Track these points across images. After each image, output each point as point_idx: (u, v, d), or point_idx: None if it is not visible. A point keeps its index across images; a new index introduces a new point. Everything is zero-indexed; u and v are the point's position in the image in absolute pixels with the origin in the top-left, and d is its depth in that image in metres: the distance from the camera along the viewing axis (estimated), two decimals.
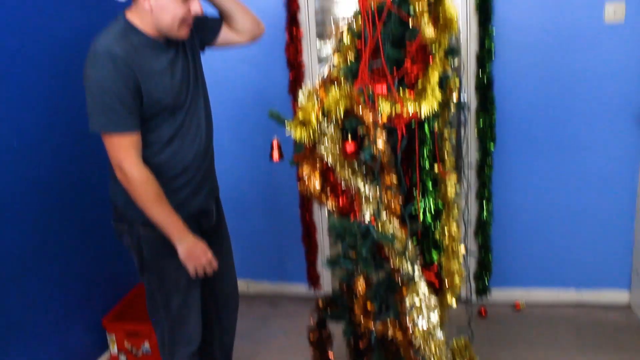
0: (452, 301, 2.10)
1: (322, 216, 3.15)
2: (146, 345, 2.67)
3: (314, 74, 2.97)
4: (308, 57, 2.95)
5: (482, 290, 3.10)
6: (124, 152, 1.80)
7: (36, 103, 2.34)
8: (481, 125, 2.83)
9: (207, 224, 2.13)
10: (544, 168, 2.94)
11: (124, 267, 2.88)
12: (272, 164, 2.06)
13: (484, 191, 2.93)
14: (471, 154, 2.91)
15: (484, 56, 2.78)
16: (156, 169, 1.89)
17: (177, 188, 1.97)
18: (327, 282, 3.24)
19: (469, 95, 2.84)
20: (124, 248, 2.79)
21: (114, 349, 2.72)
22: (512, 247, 3.08)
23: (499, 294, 3.14)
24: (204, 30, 2.08)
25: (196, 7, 1.83)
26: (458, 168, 2.90)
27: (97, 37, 1.79)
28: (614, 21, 2.73)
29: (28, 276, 2.31)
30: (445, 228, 1.97)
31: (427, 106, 1.72)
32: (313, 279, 3.24)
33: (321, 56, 2.99)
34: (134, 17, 1.84)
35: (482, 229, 2.99)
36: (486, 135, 2.84)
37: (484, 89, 2.80)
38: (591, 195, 2.95)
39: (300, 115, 1.79)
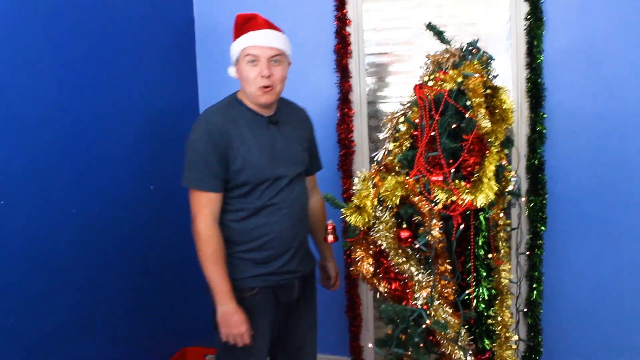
0: None
1: (367, 290, 3.16)
2: None
3: (364, 152, 3.05)
4: (359, 136, 3.05)
5: None
6: (200, 207, 2.00)
7: (107, 171, 2.47)
8: (532, 207, 2.84)
9: (286, 299, 2.18)
10: (595, 252, 2.90)
11: (164, 333, 2.93)
12: None
13: (534, 272, 2.91)
14: (522, 235, 2.91)
15: (535, 139, 2.82)
16: (237, 235, 2.07)
17: (256, 260, 2.09)
18: (370, 356, 3.22)
19: (520, 177, 2.86)
20: (165, 313, 2.89)
21: None
22: (563, 329, 3.01)
23: None
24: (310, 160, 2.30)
25: (263, 70, 2.00)
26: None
27: (207, 108, 2.12)
28: None
29: (74, 338, 2.35)
30: (498, 316, 1.98)
31: (483, 197, 1.77)
32: (356, 353, 3.23)
33: (372, 135, 3.07)
34: (240, 93, 2.12)
35: (532, 310, 2.95)
36: (537, 217, 2.84)
37: (535, 171, 2.83)
38: None
39: (355, 200, 1.85)
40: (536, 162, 2.83)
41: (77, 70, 2.34)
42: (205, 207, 2.00)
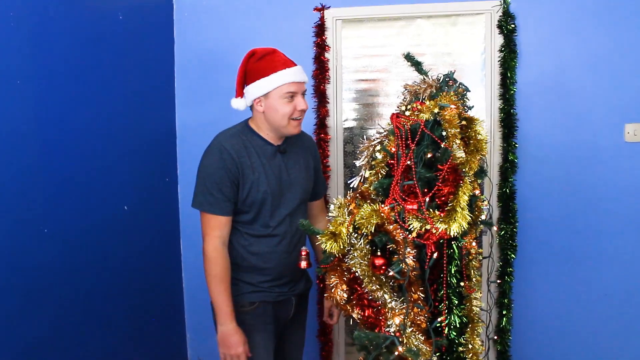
0: None
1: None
2: None
3: (339, 177, 3.08)
4: (334, 161, 3.07)
5: None
6: (209, 229, 2.11)
7: (80, 190, 2.44)
8: (502, 234, 2.89)
9: (284, 314, 2.28)
10: (564, 279, 2.98)
11: (137, 355, 2.89)
12: None
13: (503, 300, 2.95)
14: (493, 263, 2.96)
15: (507, 168, 2.89)
16: (245, 255, 2.18)
17: (261, 278, 2.19)
18: None
19: (492, 206, 2.92)
20: (138, 334, 2.86)
21: None
22: (531, 356, 3.07)
23: None
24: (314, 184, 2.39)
25: (301, 104, 2.13)
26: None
27: (220, 133, 2.19)
28: (633, 140, 2.85)
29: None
30: (469, 343, 2.00)
31: (457, 226, 1.80)
32: None
33: (347, 160, 3.10)
34: (253, 122, 2.21)
35: (501, 337, 2.99)
36: (507, 244, 2.90)
37: (507, 200, 2.90)
38: (612, 310, 2.97)
39: (331, 227, 1.87)
40: (507, 190, 2.90)
41: (55, 88, 2.32)
42: (214, 229, 2.10)
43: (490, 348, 3.03)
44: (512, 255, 2.91)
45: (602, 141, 2.88)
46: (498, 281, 2.92)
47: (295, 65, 2.15)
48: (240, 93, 2.18)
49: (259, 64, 2.12)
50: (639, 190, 2.88)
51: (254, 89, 2.12)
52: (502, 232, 2.90)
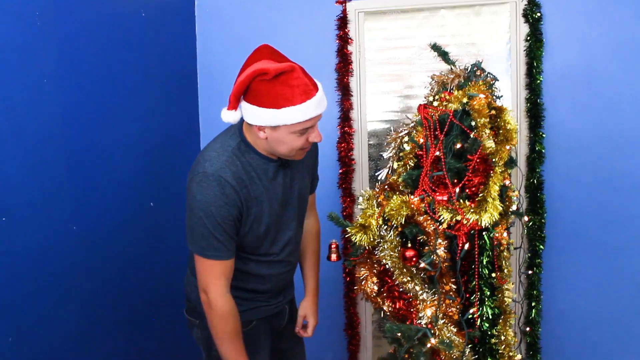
0: None
1: (365, 308, 3.16)
2: None
3: (364, 170, 3.07)
4: (359, 154, 3.06)
5: None
6: (213, 279, 1.77)
7: (108, 188, 2.46)
8: (531, 225, 2.86)
9: (278, 324, 2.12)
10: (593, 270, 2.93)
11: (164, 354, 2.92)
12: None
13: (533, 291, 2.92)
14: (521, 254, 2.93)
15: (535, 158, 2.85)
16: (241, 277, 1.89)
17: (256, 296, 1.98)
18: None
19: (522, 196, 2.89)
20: (162, 334, 2.88)
21: None
22: (560, 347, 3.03)
23: None
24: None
25: (315, 137, 1.77)
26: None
27: (208, 151, 1.80)
28: None
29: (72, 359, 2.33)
30: (502, 335, 1.98)
31: (488, 216, 1.78)
32: None
33: (372, 153, 3.09)
34: (248, 134, 1.81)
35: (531, 328, 2.96)
36: (536, 236, 2.87)
37: (534, 190, 2.86)
38: None
39: (360, 219, 1.86)
40: (535, 181, 2.86)
41: (80, 88, 2.34)
42: (220, 278, 1.78)
43: (521, 340, 3.00)
44: (541, 247, 2.87)
45: (630, 130, 2.83)
46: (529, 272, 2.89)
47: (317, 89, 1.73)
48: (234, 106, 1.74)
49: (270, 86, 1.66)
50: None
51: (258, 115, 1.70)
52: (530, 223, 2.86)
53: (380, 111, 3.07)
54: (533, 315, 2.94)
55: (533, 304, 2.93)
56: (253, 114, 1.71)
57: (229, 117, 1.76)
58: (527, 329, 2.94)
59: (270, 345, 2.08)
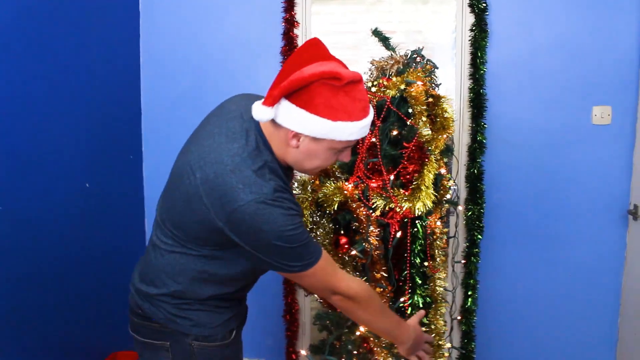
0: None
1: (304, 295, 3.14)
2: None
3: None
4: None
5: None
6: (332, 274, 1.57)
7: (37, 167, 2.36)
8: (469, 215, 2.88)
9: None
10: (530, 260, 2.98)
11: (94, 338, 2.83)
12: None
13: (469, 280, 2.95)
14: (459, 243, 2.95)
15: (476, 148, 2.86)
16: (241, 287, 1.70)
17: (238, 302, 1.77)
18: None
19: (459, 186, 2.90)
20: (95, 317, 2.79)
21: None
22: (495, 336, 3.08)
23: None
24: None
25: (345, 157, 1.55)
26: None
27: (242, 167, 1.44)
28: (601, 123, 2.85)
29: None
30: (432, 324, 1.98)
31: (421, 204, 1.77)
32: (292, 358, 3.20)
33: None
34: (274, 137, 1.50)
35: (467, 317, 2.99)
36: (474, 225, 2.88)
37: (474, 180, 2.87)
38: (576, 290, 2.98)
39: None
40: (475, 171, 2.87)
41: (15, 64, 2.22)
42: (335, 268, 1.60)
43: (455, 328, 3.03)
44: (479, 236, 2.89)
45: (570, 123, 2.87)
46: (463, 261, 2.91)
47: (370, 108, 1.50)
48: (273, 102, 1.41)
49: (334, 93, 1.40)
50: (606, 173, 2.88)
51: (305, 122, 1.42)
52: (469, 213, 2.88)
53: None
54: (469, 304, 2.96)
55: (469, 292, 2.96)
56: (298, 118, 1.42)
57: (264, 114, 1.42)
58: (460, 317, 2.97)
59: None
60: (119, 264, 2.83)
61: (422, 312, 1.81)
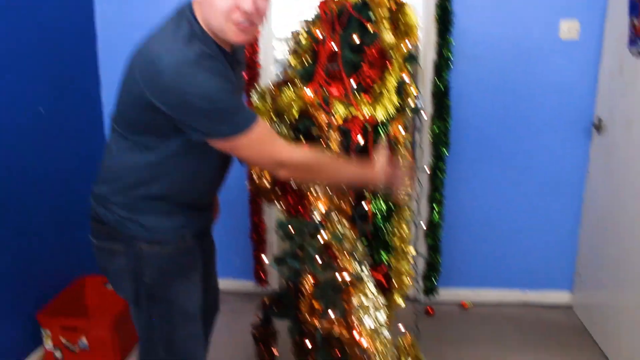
0: (400, 301, 2.14)
1: (272, 214, 3.15)
2: (83, 340, 2.61)
3: (270, 74, 2.97)
4: (264, 58, 2.96)
5: (430, 290, 3.17)
6: (270, 143, 1.53)
7: None
8: (436, 131, 2.89)
9: (205, 240, 1.89)
10: (494, 174, 3.03)
11: (60, 262, 2.82)
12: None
13: (436, 194, 2.99)
14: (425, 158, 2.96)
15: (442, 64, 2.83)
16: (194, 186, 1.66)
17: (203, 204, 1.76)
18: (275, 279, 3.24)
19: (425, 102, 2.89)
20: (60, 242, 2.76)
21: (48, 344, 2.65)
22: (461, 249, 3.15)
23: (447, 294, 3.22)
24: None
25: (245, 4, 1.43)
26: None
27: (164, 40, 1.46)
28: (568, 38, 2.83)
29: None
30: (396, 229, 1.99)
31: (383, 110, 1.75)
32: (260, 276, 3.24)
33: (277, 57, 2.99)
34: (200, 16, 1.48)
35: (433, 230, 3.05)
36: (440, 140, 2.89)
37: (440, 96, 2.86)
38: (540, 201, 3.05)
39: None
40: (442, 87, 2.85)
41: None
42: (274, 135, 1.56)
43: (421, 241, 3.08)
44: (445, 152, 2.91)
45: (537, 38, 2.85)
46: (427, 170, 2.93)
47: None
48: None
49: None
50: (571, 88, 2.88)
51: None
52: (436, 129, 2.88)
53: (290, 15, 2.95)
54: (435, 218, 3.01)
55: (435, 207, 3.00)
56: None
57: None
58: (426, 229, 3.02)
59: (202, 261, 1.84)
60: (80, 188, 2.79)
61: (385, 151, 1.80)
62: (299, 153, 1.57)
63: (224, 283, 3.34)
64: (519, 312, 3.14)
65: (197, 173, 1.63)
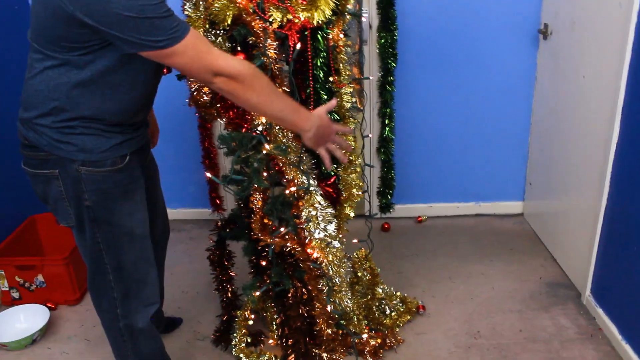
0: (350, 212, 2.14)
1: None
2: (39, 278, 2.57)
3: None
4: None
5: (385, 207, 3.19)
6: (206, 51, 1.44)
7: None
8: (382, 43, 2.81)
9: (144, 157, 1.86)
10: (444, 85, 2.99)
11: (9, 202, 2.74)
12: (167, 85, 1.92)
13: (386, 109, 2.95)
14: (372, 72, 2.91)
15: None
16: (128, 103, 1.58)
17: (128, 128, 1.65)
18: (231, 204, 3.19)
19: (371, 13, 2.80)
20: (6, 181, 2.66)
21: (4, 285, 2.61)
22: (414, 164, 3.15)
23: (403, 210, 3.25)
24: None
25: None
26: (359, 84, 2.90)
27: None
28: None
29: None
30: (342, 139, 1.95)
31: (320, 13, 1.68)
32: (216, 202, 3.21)
33: None
34: None
35: (385, 146, 3.03)
36: (387, 53, 2.83)
37: (386, 6, 2.77)
38: (489, 111, 3.04)
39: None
40: None
41: None
42: (210, 45, 1.47)
43: (374, 157, 3.07)
44: (393, 64, 2.85)
45: None
46: (370, 77, 2.88)
47: None
48: None
49: None
50: None
51: None
52: (382, 41, 2.80)
53: None
54: (386, 133, 2.98)
55: (386, 122, 2.97)
56: None
57: None
58: (378, 146, 2.99)
59: (145, 180, 1.78)
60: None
61: (333, 102, 1.72)
62: (235, 62, 1.49)
63: (181, 212, 3.35)
64: (473, 222, 3.21)
65: (131, 88, 1.55)
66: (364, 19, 2.70)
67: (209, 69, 1.45)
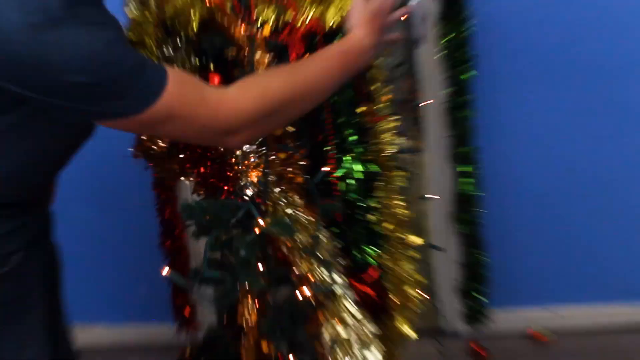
0: (407, 330, 2.13)
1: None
2: None
3: None
4: None
5: (474, 316, 3.21)
6: (199, 103, 1.54)
7: None
8: (449, 41, 2.97)
9: (44, 248, 1.92)
10: (562, 109, 3.10)
11: None
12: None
13: (462, 149, 3.05)
14: (433, 89, 3.04)
15: None
16: (29, 170, 1.68)
17: (41, 199, 1.85)
18: (209, 318, 3.14)
19: None
20: None
21: None
22: (521, 239, 3.21)
23: (507, 319, 3.26)
24: None
25: None
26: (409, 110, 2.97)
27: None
28: None
29: None
30: (385, 207, 2.03)
31: (336, 11, 1.81)
32: (182, 315, 3.16)
33: None
34: None
35: (464, 210, 3.10)
36: (458, 56, 2.96)
37: None
38: None
39: (130, 34, 1.84)
40: None
41: None
42: (199, 85, 1.57)
43: (448, 229, 3.18)
44: (469, 75, 2.96)
45: None
46: (430, 100, 3.00)
47: None
48: None
49: None
50: None
51: None
52: (448, 37, 2.95)
53: None
54: (466, 189, 3.02)
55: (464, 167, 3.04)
56: None
57: None
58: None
59: (48, 295, 1.87)
60: None
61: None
62: (244, 99, 1.57)
63: (122, 332, 3.36)
64: (627, 342, 3.14)
65: (37, 155, 1.65)
66: (412, 3, 2.84)
67: (214, 128, 1.56)
